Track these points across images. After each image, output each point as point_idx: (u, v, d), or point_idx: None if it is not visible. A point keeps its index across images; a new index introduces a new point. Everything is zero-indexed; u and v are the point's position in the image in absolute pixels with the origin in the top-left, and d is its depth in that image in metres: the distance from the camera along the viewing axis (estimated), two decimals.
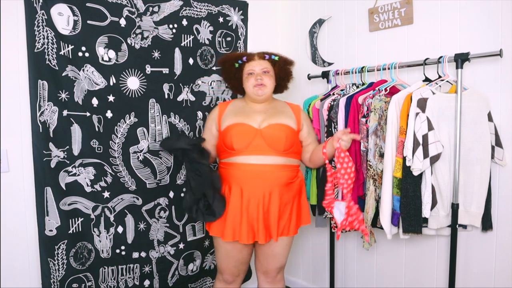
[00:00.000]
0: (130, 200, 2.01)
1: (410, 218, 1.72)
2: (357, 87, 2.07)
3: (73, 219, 1.87)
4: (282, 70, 1.93)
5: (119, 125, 1.96)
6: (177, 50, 2.10)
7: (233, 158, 1.79)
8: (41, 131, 1.76)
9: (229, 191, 1.78)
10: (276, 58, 1.90)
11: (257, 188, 1.74)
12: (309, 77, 2.39)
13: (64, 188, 1.84)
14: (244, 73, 1.90)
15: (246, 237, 1.74)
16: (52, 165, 1.80)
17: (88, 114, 1.88)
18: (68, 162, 1.84)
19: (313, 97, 2.19)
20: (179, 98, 2.13)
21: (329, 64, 2.40)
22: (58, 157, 1.82)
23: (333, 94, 2.12)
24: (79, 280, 1.91)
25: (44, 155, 1.78)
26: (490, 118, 1.75)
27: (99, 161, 1.91)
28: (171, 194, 2.14)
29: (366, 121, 1.86)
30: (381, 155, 1.81)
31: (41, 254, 1.81)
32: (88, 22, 1.84)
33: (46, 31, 1.74)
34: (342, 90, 2.13)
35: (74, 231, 1.88)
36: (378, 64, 1.99)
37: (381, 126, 1.82)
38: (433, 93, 1.71)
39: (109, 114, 1.93)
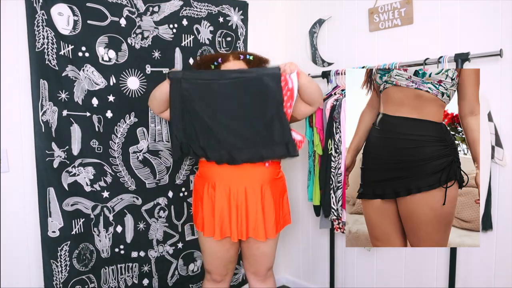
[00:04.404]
0: (130, 200, 2.01)
1: None
2: None
3: (76, 220, 1.87)
4: None
5: (119, 125, 1.96)
6: (177, 50, 2.10)
7: None
8: (43, 130, 1.76)
9: (211, 188, 1.74)
10: (251, 57, 1.85)
11: (237, 185, 1.71)
12: None
13: (67, 189, 1.84)
14: None
15: (233, 234, 1.72)
16: (55, 165, 1.80)
17: (88, 114, 1.88)
18: (68, 162, 1.84)
19: None
20: None
21: (329, 64, 2.40)
22: (60, 157, 1.82)
23: (335, 94, 2.12)
24: (82, 282, 1.91)
25: (47, 155, 1.78)
26: (490, 118, 1.74)
27: (98, 161, 1.92)
28: (170, 194, 2.14)
29: None
30: None
31: (43, 256, 1.80)
32: (88, 22, 1.84)
33: (46, 31, 1.74)
34: (343, 90, 2.13)
35: (77, 232, 1.88)
36: (378, 64, 1.99)
37: None
38: None
39: (109, 114, 1.93)
